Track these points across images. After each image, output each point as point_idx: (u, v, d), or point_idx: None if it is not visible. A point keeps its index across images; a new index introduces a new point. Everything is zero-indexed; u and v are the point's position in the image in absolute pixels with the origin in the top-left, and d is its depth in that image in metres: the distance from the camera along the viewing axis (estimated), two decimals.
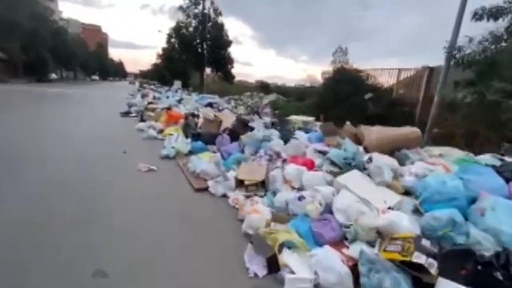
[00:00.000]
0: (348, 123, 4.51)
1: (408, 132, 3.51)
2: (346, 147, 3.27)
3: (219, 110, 9.47)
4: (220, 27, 27.70)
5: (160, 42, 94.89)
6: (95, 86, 33.32)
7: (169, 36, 31.12)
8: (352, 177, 2.83)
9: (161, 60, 39.06)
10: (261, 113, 12.84)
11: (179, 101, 12.61)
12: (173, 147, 5.30)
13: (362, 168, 3.04)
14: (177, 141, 5.67)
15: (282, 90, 30.84)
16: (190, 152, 5.26)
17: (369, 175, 2.88)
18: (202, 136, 5.60)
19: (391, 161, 3.01)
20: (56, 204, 2.82)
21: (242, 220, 2.76)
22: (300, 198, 2.60)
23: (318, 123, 10.58)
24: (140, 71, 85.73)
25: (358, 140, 3.91)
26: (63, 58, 37.72)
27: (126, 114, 9.81)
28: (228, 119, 6.39)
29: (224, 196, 3.41)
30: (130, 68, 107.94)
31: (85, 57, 47.36)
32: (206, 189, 3.58)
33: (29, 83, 24.82)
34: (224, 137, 5.27)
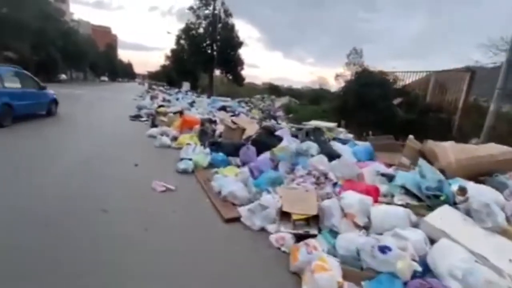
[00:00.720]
0: (411, 136, 3.74)
1: (500, 153, 2.73)
2: (424, 172, 2.52)
3: (235, 115, 8.80)
4: (230, 28, 27.15)
5: (168, 44, 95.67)
6: (105, 87, 33.06)
7: (178, 38, 30.74)
8: (447, 218, 2.08)
9: (169, 62, 38.81)
10: (277, 117, 12.15)
11: (191, 104, 11.98)
12: (190, 159, 4.63)
13: (452, 203, 2.29)
14: (195, 151, 4.99)
15: (292, 93, 30.19)
16: (210, 165, 4.59)
17: (468, 214, 2.13)
18: (224, 147, 4.90)
19: (493, 194, 2.25)
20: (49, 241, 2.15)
21: (295, 273, 2.05)
22: (384, 250, 1.86)
23: (341, 130, 9.83)
24: (148, 72, 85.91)
25: (424, 159, 3.15)
26: (73, 59, 37.72)
27: (136, 117, 9.21)
28: (250, 126, 5.69)
29: (262, 229, 2.69)
30: (138, 69, 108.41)
31: (95, 58, 47.49)
32: (238, 218, 2.87)
33: None
34: (250, 149, 4.56)
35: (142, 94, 21.59)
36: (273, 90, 33.74)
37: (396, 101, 9.20)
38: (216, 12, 27.13)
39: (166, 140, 5.78)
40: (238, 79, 28.83)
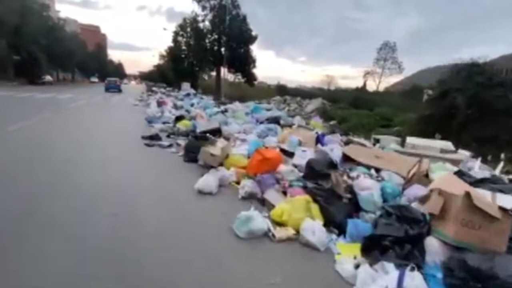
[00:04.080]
0: None
1: None
2: None
3: (321, 138, 5.53)
4: (242, 20, 23.80)
5: (159, 43, 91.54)
6: (95, 90, 29.03)
7: (176, 34, 27.35)
8: None
9: (164, 61, 35.50)
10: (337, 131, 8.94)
11: (223, 113, 8.65)
12: None
13: None
14: (364, 278, 1.74)
15: (297, 93, 27.06)
16: None
17: None
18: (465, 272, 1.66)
19: None
20: None
21: None
22: None
23: (465, 153, 6.67)
24: (139, 72, 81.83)
25: None
26: (60, 58, 33.74)
27: (153, 139, 5.84)
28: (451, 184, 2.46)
29: None
30: (129, 69, 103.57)
31: (83, 58, 43.46)
32: None
33: (17, 86, 20.77)
34: None
35: (142, 97, 18.08)
36: (281, 90, 30.61)
37: None
38: (223, 2, 23.76)
39: (260, 224, 2.48)
40: (251, 79, 25.48)
